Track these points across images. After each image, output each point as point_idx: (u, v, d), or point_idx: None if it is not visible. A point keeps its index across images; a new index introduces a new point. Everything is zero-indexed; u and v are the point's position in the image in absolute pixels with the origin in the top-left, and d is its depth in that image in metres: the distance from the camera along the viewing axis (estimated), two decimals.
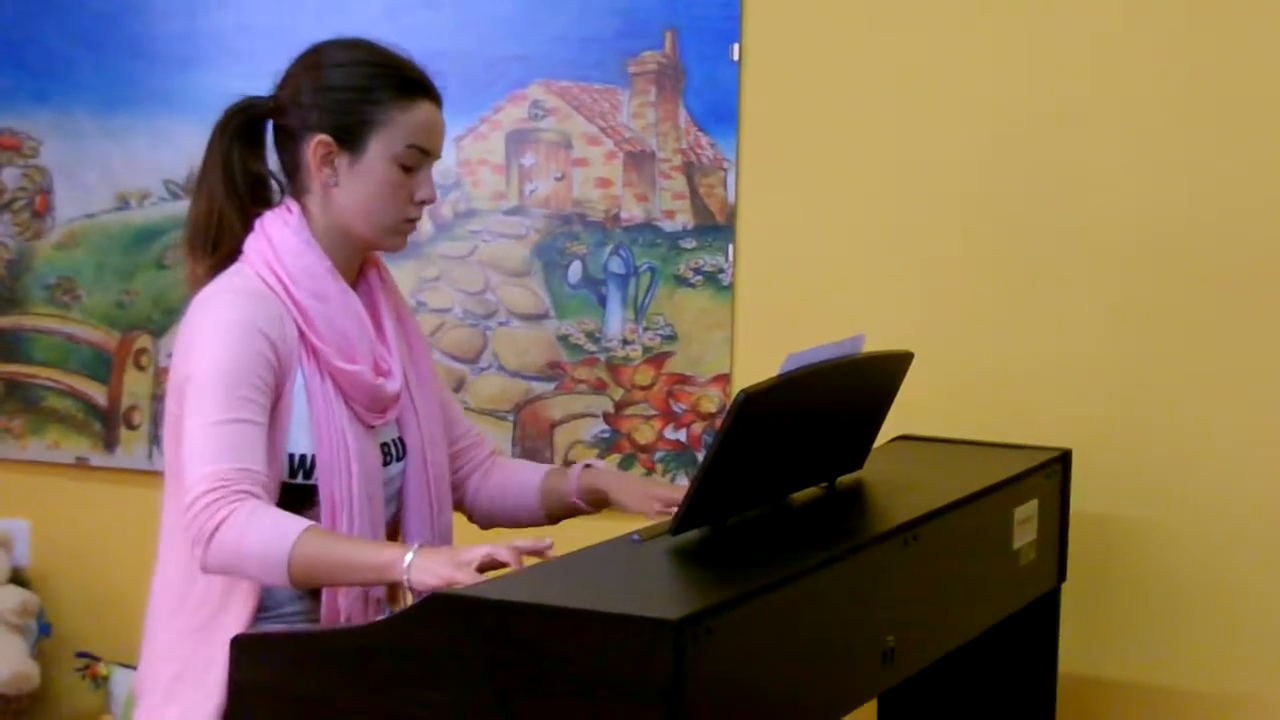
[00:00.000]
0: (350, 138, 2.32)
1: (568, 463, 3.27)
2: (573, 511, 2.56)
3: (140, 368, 3.63)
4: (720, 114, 3.19)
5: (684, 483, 3.18)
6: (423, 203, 2.37)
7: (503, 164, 3.34)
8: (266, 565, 2.14)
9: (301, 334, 2.30)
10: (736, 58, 3.18)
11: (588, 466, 2.56)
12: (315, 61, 2.37)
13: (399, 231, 2.37)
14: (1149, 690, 3.01)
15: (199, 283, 2.35)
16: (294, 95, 2.35)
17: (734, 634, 1.84)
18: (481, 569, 2.06)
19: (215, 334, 2.24)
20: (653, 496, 2.46)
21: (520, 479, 2.58)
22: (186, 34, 3.53)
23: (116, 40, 3.58)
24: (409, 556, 2.10)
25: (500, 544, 2.09)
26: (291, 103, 2.35)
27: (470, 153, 3.35)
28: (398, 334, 2.45)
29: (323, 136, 2.32)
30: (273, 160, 2.41)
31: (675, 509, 2.38)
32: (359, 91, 2.32)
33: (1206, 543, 2.96)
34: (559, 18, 3.28)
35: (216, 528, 2.13)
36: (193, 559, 2.18)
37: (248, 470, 2.17)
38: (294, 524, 2.15)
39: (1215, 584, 2.96)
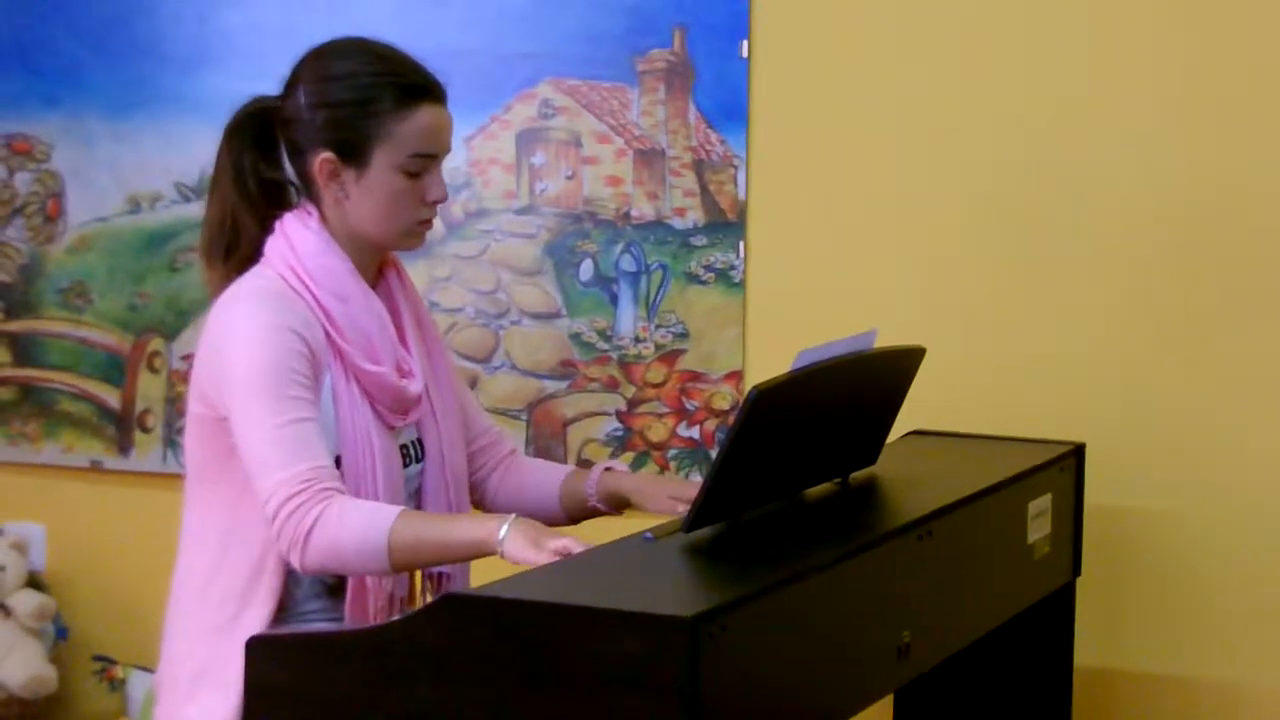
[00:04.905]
0: (353, 152, 2.31)
1: (581, 462, 3.27)
2: (593, 514, 2.55)
3: (154, 371, 3.63)
4: (730, 111, 3.19)
5: (697, 481, 3.18)
6: (435, 203, 2.36)
7: (513, 163, 3.34)
8: (366, 557, 2.16)
9: (328, 335, 2.30)
10: (745, 55, 3.17)
11: (608, 470, 2.54)
12: (315, 73, 2.35)
13: (414, 234, 2.37)
14: (1165, 682, 3.00)
15: (217, 289, 2.35)
16: (295, 110, 2.34)
17: (748, 631, 1.84)
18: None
19: (249, 336, 2.24)
20: (675, 497, 2.45)
21: (540, 479, 2.57)
22: (196, 35, 3.53)
23: (126, 43, 3.59)
24: (504, 530, 2.14)
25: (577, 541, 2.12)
26: (294, 118, 2.34)
27: (480, 152, 3.35)
28: (417, 335, 2.45)
29: (326, 154, 2.31)
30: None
31: None
32: (357, 105, 2.31)
33: (1221, 534, 2.96)
34: (568, 16, 3.28)
35: (310, 529, 2.15)
36: (289, 561, 2.20)
37: (322, 467, 2.20)
38: (386, 513, 2.18)
39: (1230, 575, 2.96)
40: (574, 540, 2.12)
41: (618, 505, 2.53)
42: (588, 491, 2.52)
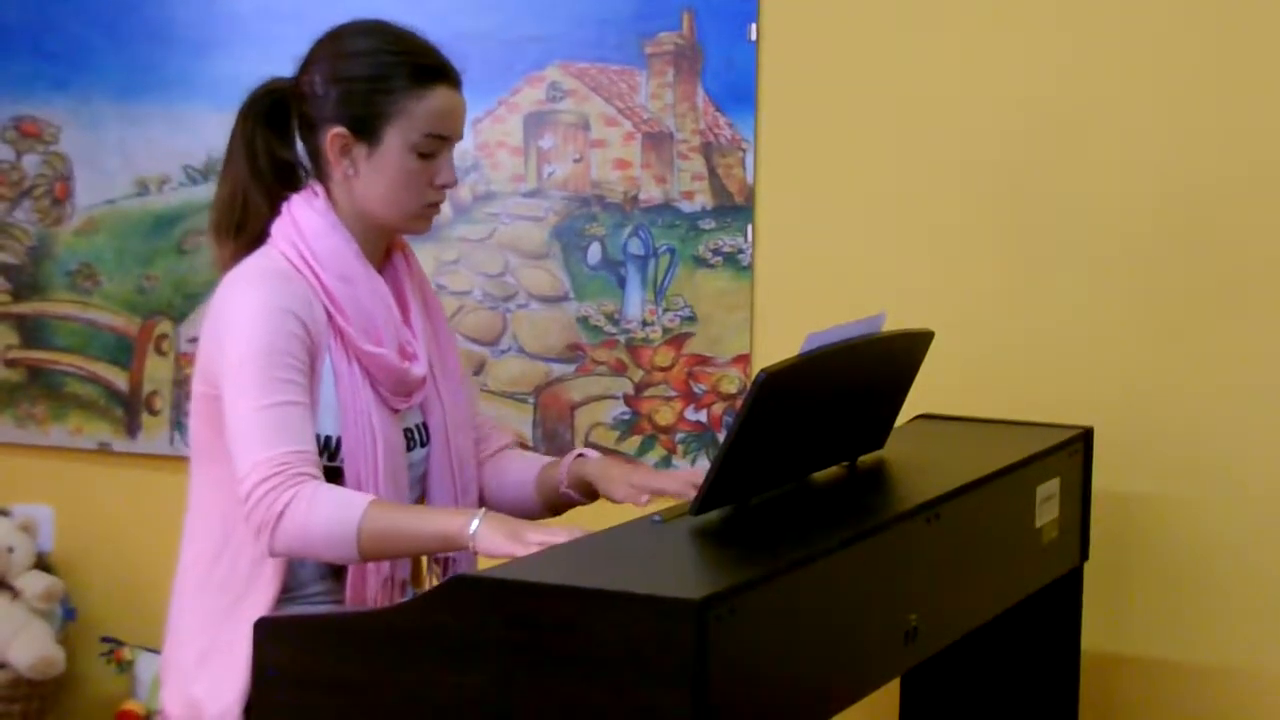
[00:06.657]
0: (366, 129, 2.32)
1: (589, 444, 3.28)
2: (567, 502, 2.50)
3: (161, 353, 3.63)
4: (738, 94, 3.18)
5: (704, 464, 3.18)
6: (444, 186, 2.37)
7: (521, 146, 3.34)
8: (335, 544, 2.16)
9: (329, 316, 2.31)
10: (754, 38, 3.17)
11: (579, 456, 2.50)
12: (331, 50, 2.36)
13: (422, 216, 2.38)
14: (1172, 667, 3.01)
15: (225, 266, 2.36)
16: (311, 85, 2.35)
17: (756, 614, 1.84)
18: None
19: (246, 316, 2.25)
20: (638, 487, 2.39)
21: (517, 473, 2.54)
22: (204, 19, 3.53)
23: (135, 26, 3.59)
24: (474, 524, 2.12)
25: (567, 529, 2.09)
26: (309, 93, 2.35)
27: (488, 135, 3.35)
28: (423, 318, 2.45)
29: (339, 129, 2.32)
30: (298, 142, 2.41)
31: (661, 495, 2.37)
32: (373, 82, 2.32)
33: (1229, 519, 2.96)
34: None
35: (281, 513, 2.15)
36: (257, 544, 2.20)
37: (301, 452, 2.19)
38: (358, 500, 2.17)
39: (1238, 560, 2.96)
40: (558, 531, 2.10)
41: (586, 492, 2.48)
42: (559, 478, 2.49)
